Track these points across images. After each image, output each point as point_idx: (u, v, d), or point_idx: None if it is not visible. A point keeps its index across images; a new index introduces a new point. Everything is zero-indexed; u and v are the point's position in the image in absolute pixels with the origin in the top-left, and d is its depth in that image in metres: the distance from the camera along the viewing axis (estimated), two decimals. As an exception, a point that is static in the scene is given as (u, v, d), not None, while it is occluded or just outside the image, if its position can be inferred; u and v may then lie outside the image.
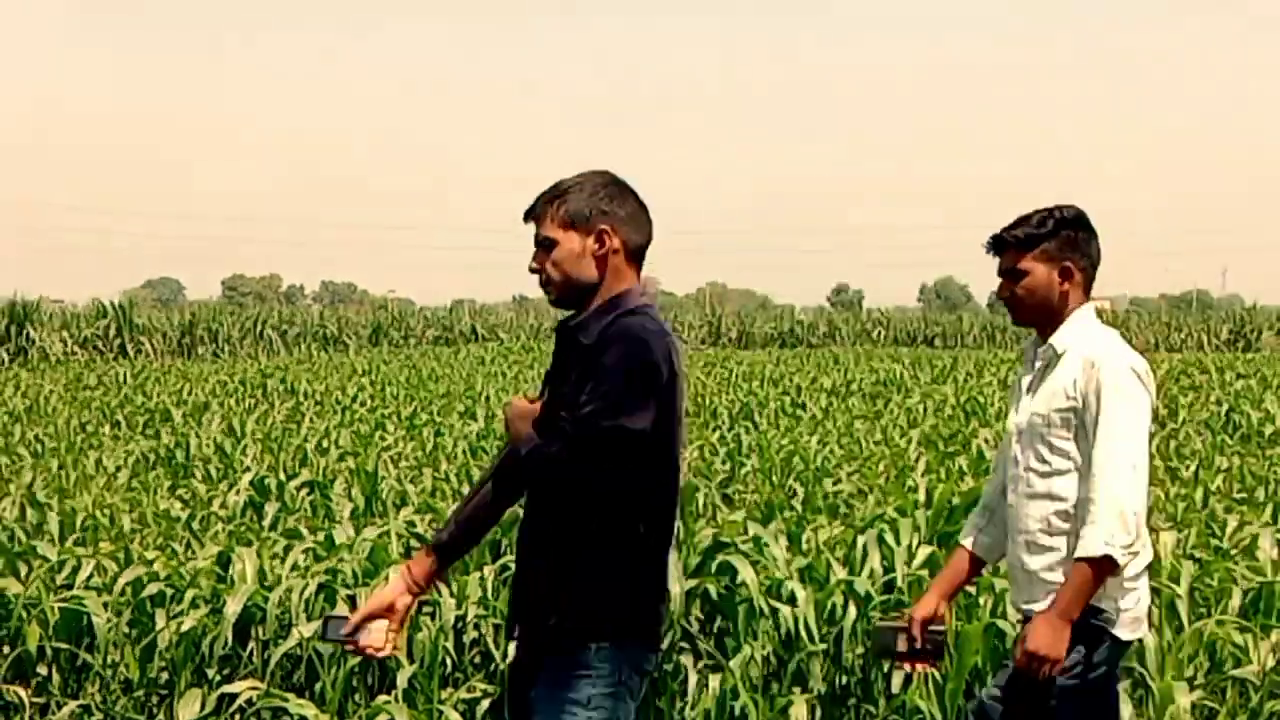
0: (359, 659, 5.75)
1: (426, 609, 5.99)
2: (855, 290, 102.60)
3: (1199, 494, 10.08)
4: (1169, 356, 39.78)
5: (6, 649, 6.26)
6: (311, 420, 16.89)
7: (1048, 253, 4.16)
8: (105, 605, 6.26)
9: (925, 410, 18.42)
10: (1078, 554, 3.89)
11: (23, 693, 6.01)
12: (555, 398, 3.53)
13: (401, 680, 5.60)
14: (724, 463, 11.90)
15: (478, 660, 6.01)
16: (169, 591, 6.29)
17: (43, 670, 6.29)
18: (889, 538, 6.42)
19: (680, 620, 5.90)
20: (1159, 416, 12.89)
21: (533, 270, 3.65)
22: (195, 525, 8.86)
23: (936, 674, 5.59)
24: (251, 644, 6.05)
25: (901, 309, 77.75)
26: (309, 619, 5.96)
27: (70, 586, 6.58)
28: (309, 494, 10.06)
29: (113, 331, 39.54)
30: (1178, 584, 6.19)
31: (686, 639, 6.01)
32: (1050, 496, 4.09)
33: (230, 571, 6.51)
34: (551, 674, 3.49)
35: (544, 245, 3.61)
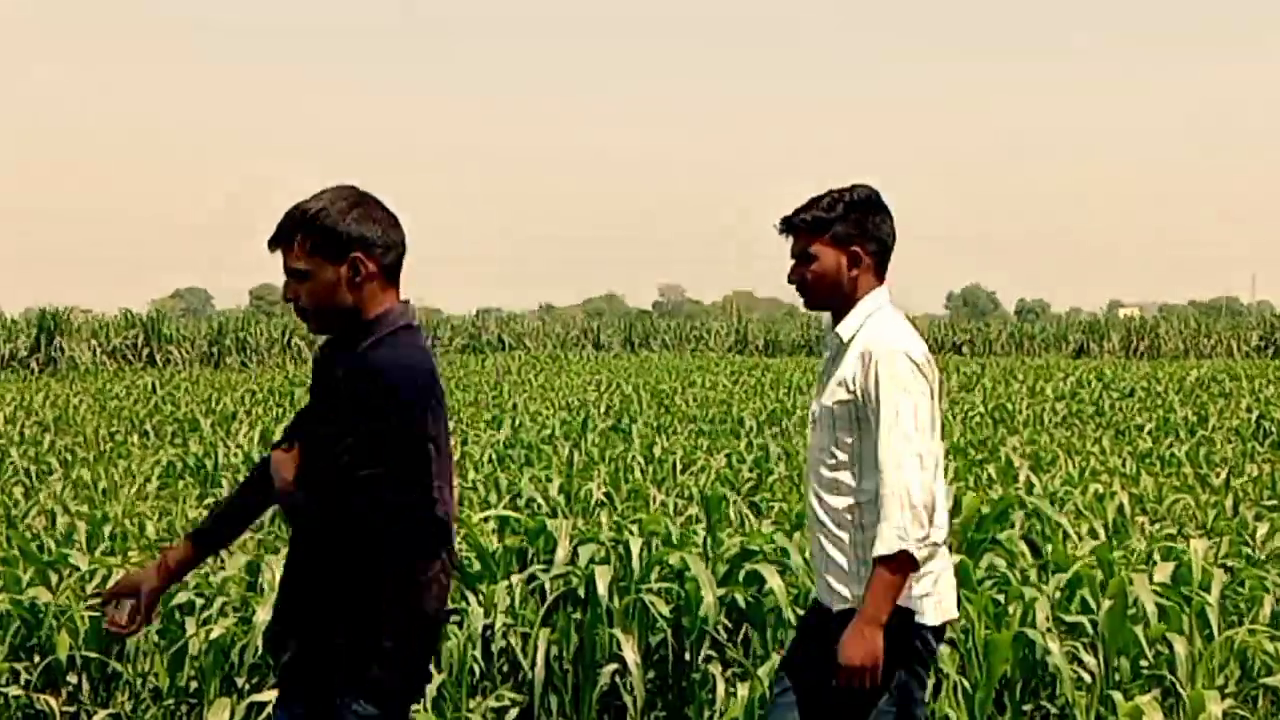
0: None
1: (454, 618, 6.00)
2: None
3: (1229, 501, 10.03)
4: (1199, 363, 39.64)
5: (37, 658, 6.28)
6: (339, 429, 16.88)
7: (837, 236, 4.09)
8: (135, 614, 6.27)
9: (953, 418, 18.37)
10: (874, 553, 3.79)
11: (53, 702, 6.03)
12: (313, 439, 3.45)
13: (430, 689, 5.59)
14: (751, 471, 11.87)
15: (505, 669, 6.01)
16: (198, 600, 6.30)
17: (73, 679, 6.31)
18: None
19: (710, 628, 5.89)
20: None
21: (287, 300, 3.55)
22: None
23: (966, 683, 5.58)
24: (280, 653, 6.05)
25: (929, 316, 77.64)
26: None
27: (99, 595, 6.59)
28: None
29: (141, 341, 39.76)
30: (1209, 592, 6.16)
31: (715, 647, 6.01)
32: (838, 488, 4.02)
33: (259, 580, 6.52)
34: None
35: (295, 276, 3.49)
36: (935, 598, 4.00)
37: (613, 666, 5.81)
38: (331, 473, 3.31)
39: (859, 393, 3.95)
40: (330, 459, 3.31)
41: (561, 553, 6.28)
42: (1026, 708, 5.70)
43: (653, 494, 9.98)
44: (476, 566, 6.49)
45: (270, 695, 5.59)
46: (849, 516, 4.00)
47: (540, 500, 9.40)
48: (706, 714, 5.87)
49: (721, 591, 6.05)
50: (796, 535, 7.15)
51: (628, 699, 5.82)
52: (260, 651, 5.96)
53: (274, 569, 6.43)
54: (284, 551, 7.07)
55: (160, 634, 6.25)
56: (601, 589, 5.82)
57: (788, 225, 4.16)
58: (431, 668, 5.70)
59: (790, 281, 4.19)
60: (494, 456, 13.14)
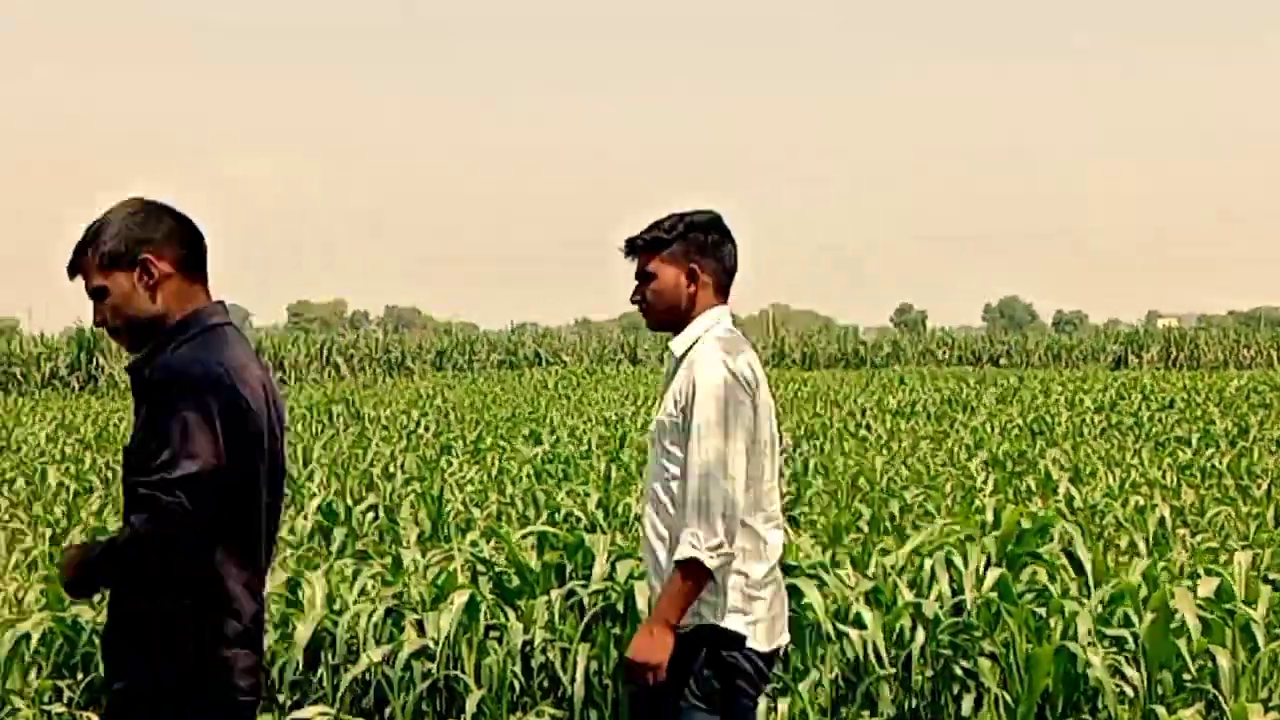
0: (427, 684, 5.78)
1: (494, 634, 6.01)
2: (919, 310, 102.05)
3: (1270, 513, 9.95)
4: (1239, 374, 39.37)
5: (80, 675, 6.31)
6: (377, 445, 16.97)
7: (675, 256, 4.16)
8: (177, 631, 6.30)
9: (991, 431, 18.31)
10: (674, 559, 3.87)
11: (96, 719, 6.06)
12: (129, 452, 3.38)
13: (470, 705, 5.61)
14: (789, 485, 11.86)
15: (545, 685, 6.01)
16: (239, 617, 6.31)
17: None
18: (957, 560, 6.37)
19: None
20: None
21: (98, 325, 3.51)
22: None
23: (1008, 697, 5.55)
24: (321, 669, 6.07)
25: (966, 328, 77.39)
26: (377, 643, 5.98)
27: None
28: (375, 518, 10.12)
29: (178, 360, 39.86)
30: (1253, 607, 6.11)
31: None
32: (670, 501, 4.03)
33: (300, 596, 6.54)
34: None
35: (97, 296, 3.46)
36: (764, 624, 4.02)
37: (652, 682, 5.79)
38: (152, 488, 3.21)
39: (685, 407, 3.99)
40: (144, 470, 3.23)
41: (600, 568, 6.28)
42: (1068, 722, 5.67)
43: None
44: (516, 582, 6.50)
45: (313, 711, 5.62)
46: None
47: (578, 515, 9.40)
48: (746, 729, 5.85)
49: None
50: (835, 549, 7.14)
51: (667, 714, 5.81)
52: (301, 667, 5.98)
53: (314, 584, 6.45)
54: (323, 567, 7.12)
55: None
56: (640, 604, 5.81)
57: (630, 247, 4.24)
58: (472, 682, 5.74)
59: (633, 301, 4.27)
60: (532, 472, 13.16)
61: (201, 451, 3.20)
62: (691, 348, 4.11)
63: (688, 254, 4.16)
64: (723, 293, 4.24)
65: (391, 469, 13.69)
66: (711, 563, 3.81)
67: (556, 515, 9.54)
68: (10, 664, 6.24)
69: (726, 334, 4.13)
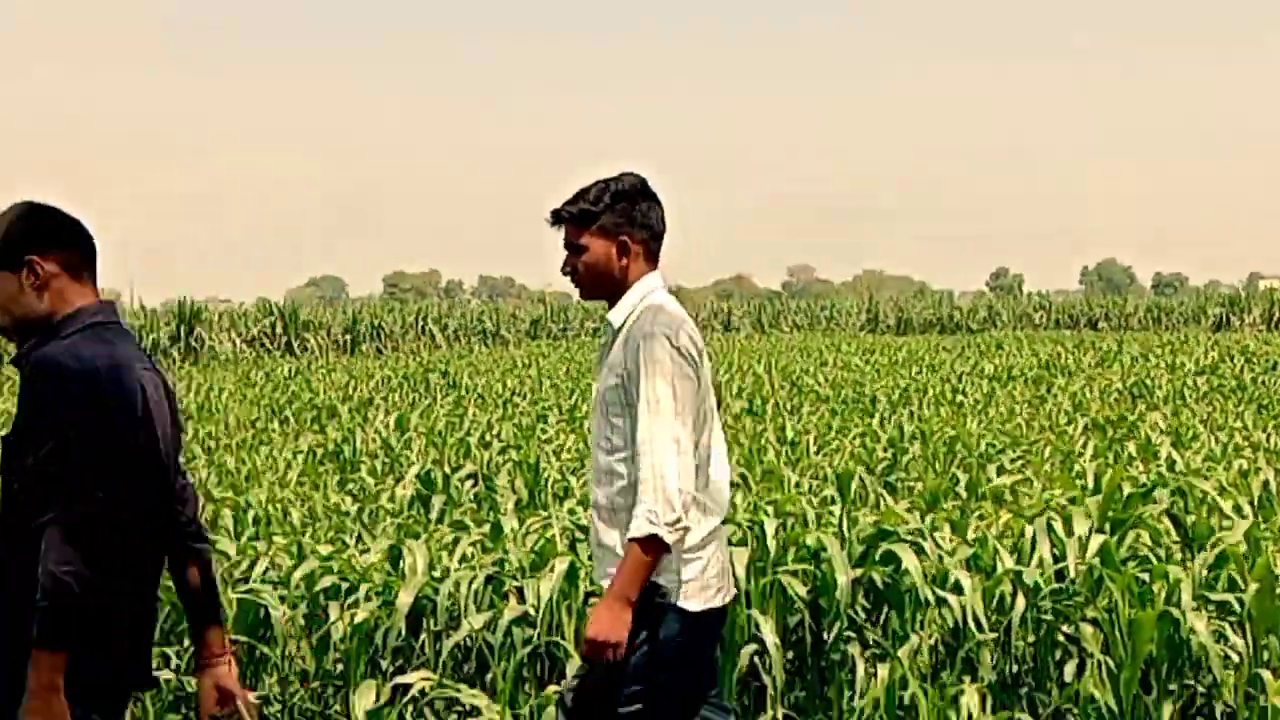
0: (527, 650, 5.82)
1: (593, 600, 6.03)
2: (1015, 274, 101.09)
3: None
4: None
5: (187, 642, 6.42)
6: (474, 413, 17.08)
7: (604, 228, 4.16)
8: (282, 598, 6.40)
9: (1090, 395, 18.12)
10: (628, 534, 3.89)
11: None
12: (7, 444, 3.41)
13: (570, 670, 5.64)
14: (885, 450, 11.82)
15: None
16: (342, 584, 6.40)
17: (223, 663, 6.43)
18: (1058, 526, 6.32)
19: (846, 609, 5.88)
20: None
21: None
22: (364, 519, 9.02)
23: (1111, 662, 5.52)
24: (423, 635, 6.14)
25: (1063, 292, 76.56)
26: (478, 610, 6.04)
27: (247, 580, 6.73)
28: (473, 486, 10.20)
29: (279, 330, 40.43)
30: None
31: (853, 628, 5.99)
32: (612, 473, 4.08)
33: (401, 564, 6.61)
34: None
35: None
36: (700, 583, 4.07)
37: (751, 648, 5.81)
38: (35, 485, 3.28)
39: (625, 377, 4.03)
40: (32, 478, 3.29)
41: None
42: (1173, 687, 5.62)
43: (786, 475, 9.96)
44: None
45: (415, 676, 5.68)
46: (620, 500, 4.06)
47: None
48: (846, 695, 5.86)
49: (858, 572, 6.03)
50: (932, 515, 7.11)
51: (767, 679, 5.82)
52: (403, 634, 6.05)
53: (415, 552, 6.51)
54: (424, 536, 7.19)
55: (306, 618, 6.36)
56: (739, 570, 5.82)
57: (556, 218, 4.23)
58: (570, 648, 5.76)
59: (564, 273, 4.27)
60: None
61: (89, 476, 3.26)
62: (629, 319, 4.13)
63: (617, 226, 4.18)
64: (653, 258, 4.27)
65: (488, 437, 13.77)
66: (669, 537, 3.87)
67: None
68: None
69: (663, 303, 4.15)
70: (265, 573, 6.79)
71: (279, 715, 6.24)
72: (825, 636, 5.96)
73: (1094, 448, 11.15)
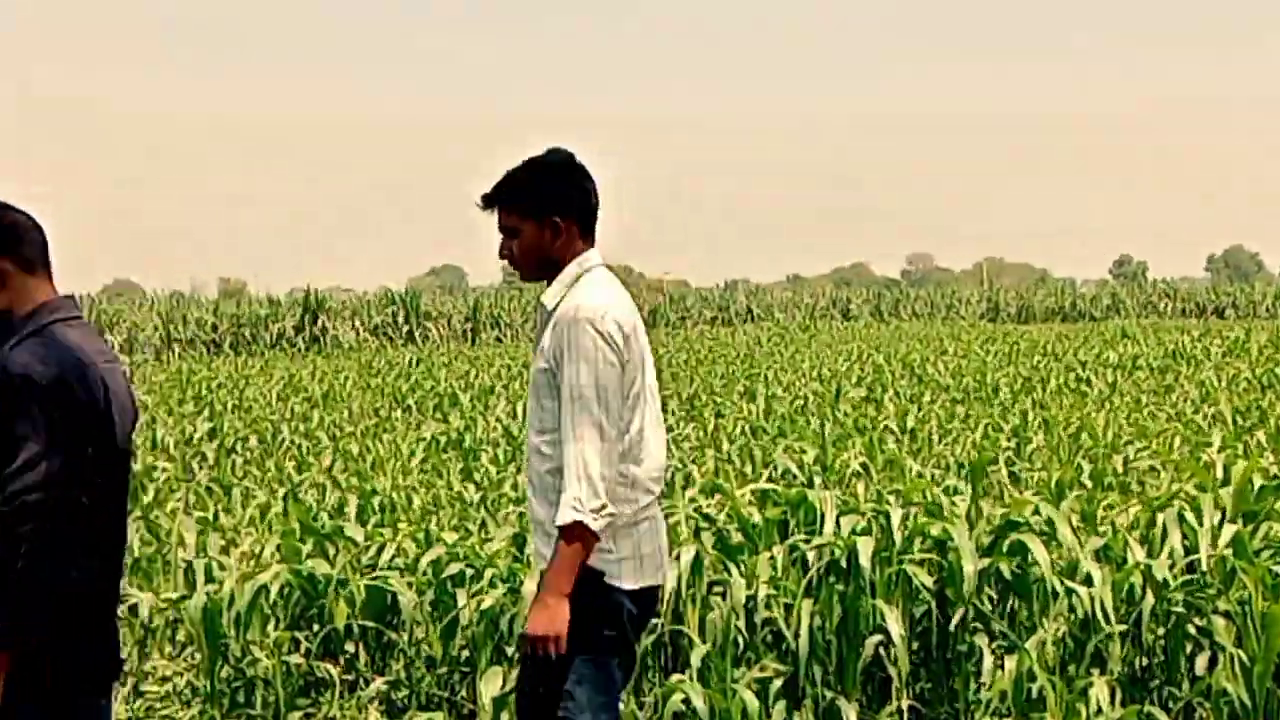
0: (651, 638, 5.84)
1: (717, 589, 6.04)
2: (1139, 261, 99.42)
3: None
4: None
5: (316, 627, 6.52)
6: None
7: (533, 210, 4.11)
8: (410, 585, 6.48)
9: (1219, 384, 17.81)
10: (556, 523, 3.90)
11: (332, 669, 6.26)
12: None
13: (695, 659, 5.65)
14: (1009, 440, 11.70)
15: (769, 640, 6.03)
16: (468, 571, 6.46)
17: (350, 647, 6.54)
18: (1189, 516, 6.22)
19: (973, 599, 5.83)
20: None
21: None
22: (488, 506, 9.09)
23: (1244, 656, 5.42)
24: (547, 622, 6.16)
25: (1188, 279, 75.23)
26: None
27: (375, 567, 6.82)
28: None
29: (400, 319, 40.86)
30: None
31: (980, 619, 5.94)
32: (540, 453, 4.07)
33: (526, 551, 6.66)
34: None
35: None
36: (632, 561, 4.06)
37: (877, 638, 5.79)
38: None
39: (552, 361, 4.02)
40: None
41: (828, 524, 6.27)
42: (1307, 682, 5.51)
43: (909, 464, 9.91)
44: (738, 538, 6.53)
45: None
46: (550, 479, 4.05)
47: (795, 471, 9.39)
48: (972, 686, 5.82)
49: (985, 563, 5.98)
50: (1063, 505, 7.03)
51: (892, 670, 5.80)
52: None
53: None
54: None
55: (433, 605, 6.43)
56: (864, 560, 5.80)
57: (486, 201, 4.19)
58: (696, 637, 5.77)
59: (501, 257, 4.24)
60: (748, 429, 13.18)
61: (44, 465, 3.29)
62: (560, 300, 4.09)
63: (545, 206, 4.12)
64: (589, 234, 4.22)
65: (608, 426, 13.79)
66: (595, 524, 3.87)
67: (773, 471, 9.53)
68: (250, 615, 6.46)
69: (599, 285, 4.12)
70: (392, 559, 6.88)
71: (406, 699, 6.32)
72: (951, 627, 5.92)
73: (1223, 439, 10.97)
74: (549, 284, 4.18)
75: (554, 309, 4.10)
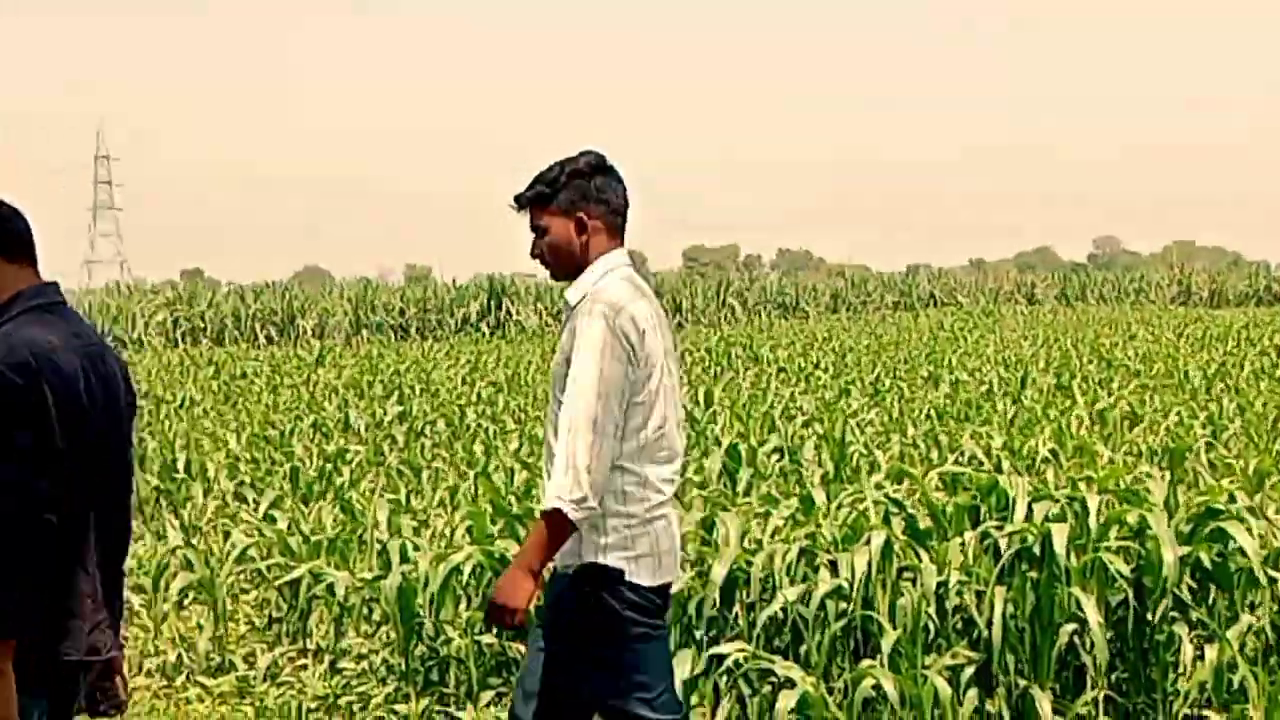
0: (841, 624, 5.82)
1: (907, 575, 5.99)
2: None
3: None
4: None
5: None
6: (776, 387, 17.12)
7: (562, 208, 4.21)
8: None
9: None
10: (539, 507, 4.04)
11: (524, 649, 6.31)
12: None
13: (885, 645, 5.62)
14: (1204, 427, 11.43)
15: (960, 626, 5.97)
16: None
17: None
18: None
19: (1173, 588, 5.70)
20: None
21: None
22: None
23: None
24: (736, 606, 6.18)
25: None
26: (791, 583, 6.05)
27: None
28: (779, 460, 10.21)
29: (585, 305, 41.14)
30: None
31: (1179, 608, 5.81)
32: (554, 450, 4.12)
33: (714, 535, 6.67)
34: None
35: None
36: (645, 560, 4.14)
37: (1071, 626, 5.69)
38: None
39: (569, 353, 4.10)
40: None
41: (1019, 510, 6.18)
42: None
43: (1100, 450, 9.73)
44: (927, 523, 6.47)
45: (730, 647, 5.73)
46: None
47: (981, 457, 9.28)
48: (1171, 676, 5.70)
49: (1184, 551, 5.84)
50: (1260, 494, 6.86)
51: (1087, 659, 5.71)
52: (717, 604, 6.10)
53: (728, 524, 6.56)
54: (734, 510, 7.23)
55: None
56: (1059, 547, 5.71)
57: (519, 202, 4.28)
58: (886, 623, 5.73)
59: (532, 256, 4.32)
60: (934, 414, 13.05)
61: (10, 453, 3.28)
62: (584, 297, 4.16)
63: (574, 204, 4.23)
64: (617, 234, 4.31)
65: (791, 410, 13.79)
66: (574, 515, 3.94)
67: (960, 458, 9.43)
68: (443, 596, 6.57)
69: (619, 282, 4.17)
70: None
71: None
72: (1149, 616, 5.80)
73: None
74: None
75: (575, 305, 4.21)
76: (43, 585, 3.37)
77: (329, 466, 11.03)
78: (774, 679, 5.65)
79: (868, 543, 5.92)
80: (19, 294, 3.52)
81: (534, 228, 4.31)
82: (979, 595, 5.86)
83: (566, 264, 4.29)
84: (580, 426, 3.99)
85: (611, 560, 4.10)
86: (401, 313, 38.88)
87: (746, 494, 8.76)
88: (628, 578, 4.12)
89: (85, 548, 3.51)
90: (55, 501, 3.35)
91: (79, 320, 3.63)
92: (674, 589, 4.61)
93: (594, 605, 4.12)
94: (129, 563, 8.43)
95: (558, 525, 3.99)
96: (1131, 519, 5.97)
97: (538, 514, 4.15)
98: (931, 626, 5.87)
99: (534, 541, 4.06)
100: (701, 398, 15.47)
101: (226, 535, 8.47)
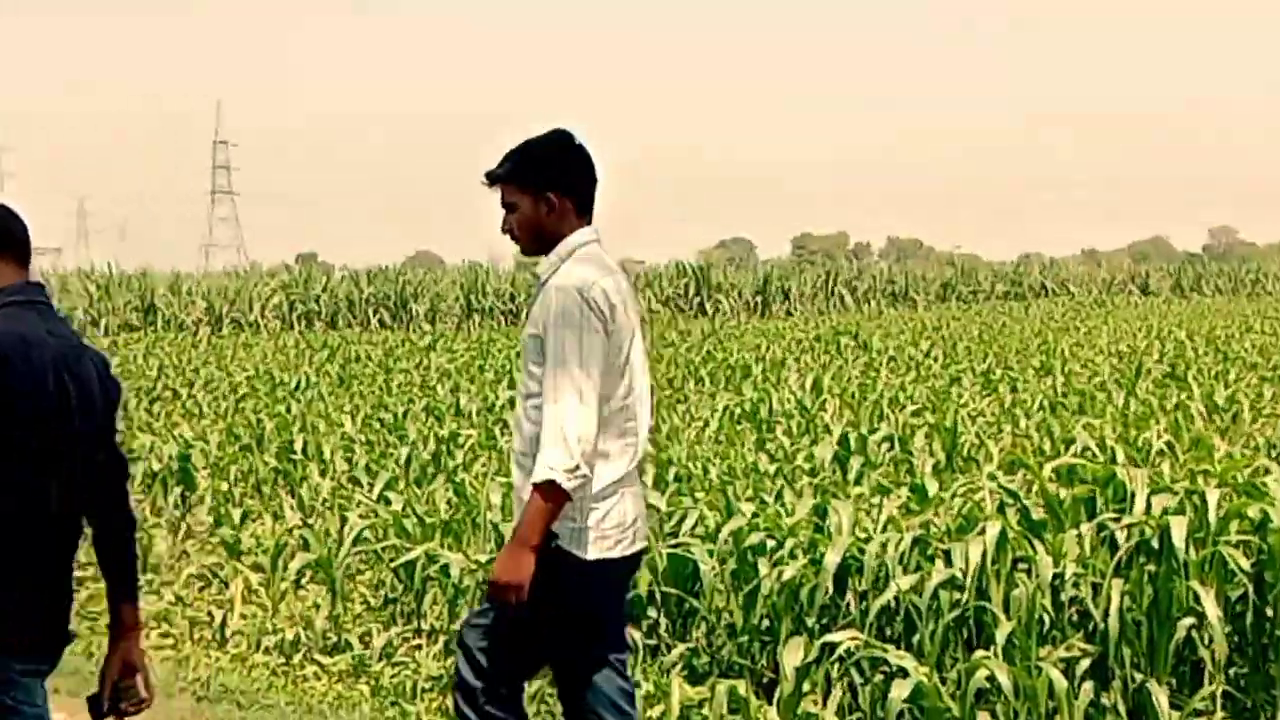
0: (954, 614, 5.80)
1: (1022, 566, 5.96)
2: None
3: None
4: None
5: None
6: (886, 376, 17.04)
7: (530, 186, 4.31)
8: (710, 553, 6.55)
9: None
10: (531, 481, 4.06)
11: (636, 634, 6.38)
12: None
13: (1000, 636, 5.59)
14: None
15: (1075, 619, 5.93)
16: (770, 542, 6.50)
17: (652, 614, 6.65)
18: None
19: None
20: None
21: None
22: (784, 477, 9.11)
23: None
24: (848, 595, 6.18)
25: None
26: (905, 572, 6.04)
27: (676, 535, 6.92)
28: (889, 449, 10.18)
29: (692, 290, 41.17)
30: None
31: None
32: (529, 418, 4.23)
33: (826, 523, 6.67)
34: None
35: None
36: (600, 531, 4.20)
37: (1189, 620, 5.63)
38: None
39: (542, 328, 4.19)
40: None
41: (1138, 503, 6.12)
42: None
43: (1217, 443, 9.59)
44: (1041, 515, 6.43)
45: (843, 635, 5.73)
46: (534, 448, 4.15)
47: (1095, 449, 9.18)
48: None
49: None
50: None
51: (1205, 654, 5.64)
52: (830, 593, 6.11)
53: (840, 513, 6.57)
54: (860, 495, 7.23)
55: (734, 574, 6.49)
56: (1177, 540, 5.65)
57: (490, 178, 4.37)
58: (1000, 614, 5.70)
59: (503, 231, 4.41)
60: (1047, 404, 12.94)
61: None
62: (554, 272, 4.27)
63: (541, 182, 4.31)
64: (585, 213, 4.39)
65: (901, 400, 13.73)
66: (568, 484, 4.04)
67: (1073, 448, 9.34)
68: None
69: (588, 258, 4.28)
70: (694, 528, 6.97)
71: (707, 666, 6.40)
72: (1269, 611, 5.72)
73: None
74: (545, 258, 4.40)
75: (545, 280, 4.31)
76: (43, 585, 3.52)
77: (442, 449, 11.13)
78: (886, 668, 5.63)
79: (982, 533, 5.89)
80: (5, 289, 3.60)
81: (505, 204, 4.42)
82: (1095, 588, 5.82)
83: (536, 240, 4.41)
84: (566, 398, 4.09)
85: (555, 528, 4.15)
86: (511, 297, 39.08)
87: (858, 482, 8.74)
88: (565, 545, 4.19)
89: (67, 537, 3.61)
90: (55, 501, 3.49)
91: (58, 320, 3.70)
92: (643, 554, 4.68)
93: (555, 576, 4.16)
94: (247, 541, 8.61)
95: (553, 496, 4.08)
96: (1252, 512, 5.89)
97: (529, 487, 4.16)
98: (1046, 618, 5.83)
99: (530, 516, 4.12)
100: (809, 385, 15.45)
101: (343, 517, 8.58)
